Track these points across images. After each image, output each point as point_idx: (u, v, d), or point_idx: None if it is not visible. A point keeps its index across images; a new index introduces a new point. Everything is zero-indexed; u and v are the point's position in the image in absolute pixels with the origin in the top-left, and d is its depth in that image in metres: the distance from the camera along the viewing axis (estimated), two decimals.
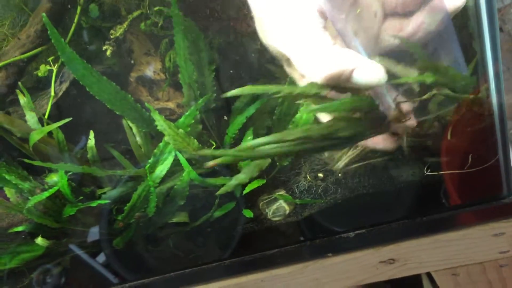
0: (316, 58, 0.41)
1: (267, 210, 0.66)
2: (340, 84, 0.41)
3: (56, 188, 0.54)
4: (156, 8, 0.58)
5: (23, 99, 0.57)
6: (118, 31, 0.57)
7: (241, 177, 0.60)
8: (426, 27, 0.45)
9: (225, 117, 0.63)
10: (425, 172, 0.64)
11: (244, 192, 0.62)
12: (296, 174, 0.65)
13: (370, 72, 0.41)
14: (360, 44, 0.42)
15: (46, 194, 0.54)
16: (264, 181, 0.63)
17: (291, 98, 0.60)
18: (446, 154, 0.65)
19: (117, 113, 0.56)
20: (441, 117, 0.55)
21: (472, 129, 0.62)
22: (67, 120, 0.55)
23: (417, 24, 0.45)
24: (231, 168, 0.65)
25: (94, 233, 0.67)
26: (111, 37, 0.57)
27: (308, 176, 0.66)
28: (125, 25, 0.57)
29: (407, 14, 0.47)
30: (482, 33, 0.49)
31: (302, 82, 0.49)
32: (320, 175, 0.66)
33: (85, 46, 0.60)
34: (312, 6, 0.42)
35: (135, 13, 0.59)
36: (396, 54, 0.47)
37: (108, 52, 0.58)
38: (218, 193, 0.62)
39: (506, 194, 0.66)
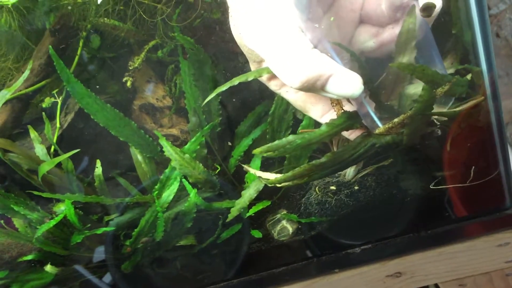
0: (293, 62, 0.38)
1: (272, 232, 0.67)
2: (313, 91, 0.40)
3: (60, 217, 0.55)
4: (173, 34, 0.58)
5: (33, 133, 0.58)
6: (136, 62, 0.58)
7: (241, 201, 0.60)
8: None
9: (229, 143, 0.64)
10: (430, 186, 0.64)
11: (247, 214, 0.62)
12: (301, 194, 0.65)
13: (346, 82, 0.38)
14: (336, 52, 0.40)
15: (53, 222, 0.55)
16: (269, 203, 0.63)
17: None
18: (447, 167, 0.65)
19: (121, 139, 0.56)
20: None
21: (472, 142, 0.62)
22: (75, 151, 0.56)
23: (394, 34, 0.44)
24: (237, 190, 0.66)
25: (102, 258, 0.67)
26: (130, 68, 0.58)
27: (316, 191, 0.66)
28: (142, 55, 0.58)
29: (382, 25, 0.45)
30: (477, 47, 0.49)
31: (270, 84, 0.47)
32: (319, 191, 0.66)
33: (88, 76, 0.61)
34: (291, 7, 0.39)
35: (152, 43, 0.60)
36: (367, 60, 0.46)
37: (128, 83, 0.58)
38: (227, 220, 0.62)
39: (509, 205, 0.66)
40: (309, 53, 0.38)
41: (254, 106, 0.63)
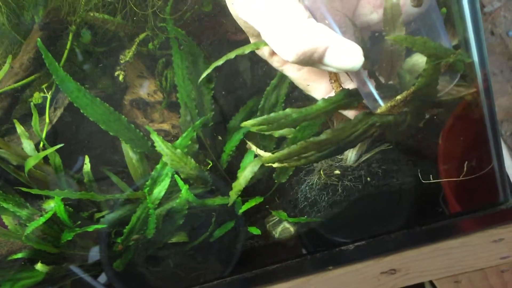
0: (287, 33, 0.36)
1: (273, 232, 0.66)
2: (312, 64, 0.37)
3: (49, 214, 0.54)
4: (163, 24, 0.57)
5: (20, 128, 0.57)
6: (127, 55, 0.57)
7: (237, 184, 0.59)
8: (408, 9, 0.41)
9: (220, 137, 0.63)
10: (421, 179, 0.64)
11: (240, 211, 0.61)
12: (293, 191, 0.65)
13: (345, 53, 0.36)
14: (335, 21, 0.38)
15: (42, 220, 0.54)
16: (261, 199, 0.62)
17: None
18: (440, 161, 0.65)
19: (111, 133, 0.56)
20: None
21: (465, 136, 0.62)
22: (59, 146, 0.55)
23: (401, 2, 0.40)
24: (229, 186, 0.65)
25: (93, 256, 0.66)
26: (121, 62, 0.58)
27: (304, 189, 0.65)
28: (133, 48, 0.57)
29: None
30: (469, 45, 0.49)
31: (272, 60, 0.45)
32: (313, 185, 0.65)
33: (79, 71, 0.60)
34: None
35: (142, 36, 0.59)
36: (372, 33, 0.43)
37: (120, 77, 0.58)
38: (229, 205, 0.60)
39: (503, 200, 0.66)
40: (304, 23, 0.36)
41: (246, 100, 0.63)
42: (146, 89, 0.62)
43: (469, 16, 0.47)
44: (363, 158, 0.61)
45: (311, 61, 0.37)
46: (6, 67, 0.53)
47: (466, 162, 0.61)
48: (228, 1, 0.40)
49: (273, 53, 0.44)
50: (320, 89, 0.45)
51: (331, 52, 0.36)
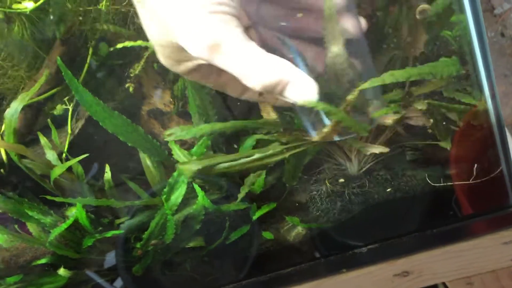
0: (255, 65, 0.38)
1: (288, 237, 0.67)
2: (270, 93, 0.39)
3: (71, 220, 0.56)
4: None
5: (43, 139, 0.60)
6: (136, 69, 0.59)
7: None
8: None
9: (235, 146, 0.65)
10: (429, 182, 0.65)
11: (254, 217, 0.63)
12: (305, 197, 0.66)
13: (304, 88, 0.38)
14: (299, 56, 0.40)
15: (64, 226, 0.56)
16: (274, 205, 0.64)
17: None
18: (451, 165, 0.66)
19: (130, 144, 0.58)
20: None
21: (474, 140, 0.63)
22: (84, 156, 0.57)
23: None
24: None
25: (113, 261, 0.68)
26: (131, 75, 0.60)
27: (321, 192, 0.66)
28: (142, 62, 0.59)
29: None
30: (474, 52, 0.50)
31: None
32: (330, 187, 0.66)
33: (97, 83, 0.63)
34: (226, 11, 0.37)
35: (151, 49, 0.61)
36: None
37: (130, 89, 0.60)
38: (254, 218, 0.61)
39: None
40: (267, 59, 0.38)
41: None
42: (162, 100, 0.64)
43: (473, 23, 0.47)
44: (367, 166, 0.63)
45: (272, 92, 0.39)
46: (42, 79, 0.55)
47: (476, 166, 0.62)
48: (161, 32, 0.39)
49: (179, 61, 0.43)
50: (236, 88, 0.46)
51: (292, 87, 0.39)
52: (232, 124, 0.51)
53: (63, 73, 0.52)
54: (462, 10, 0.46)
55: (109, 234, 0.62)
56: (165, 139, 0.55)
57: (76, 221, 0.60)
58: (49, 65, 0.58)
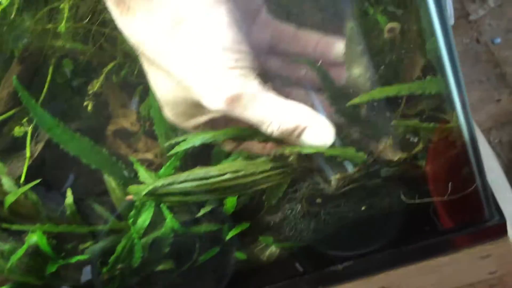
0: (271, 114, 0.39)
1: (261, 257, 0.66)
2: (286, 138, 0.41)
3: (25, 247, 0.54)
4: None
5: None
6: (95, 86, 0.57)
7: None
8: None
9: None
10: (404, 199, 0.64)
11: (227, 237, 0.61)
12: (280, 216, 0.64)
13: (322, 133, 0.40)
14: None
15: (20, 253, 0.54)
16: (247, 225, 0.62)
17: None
18: (426, 182, 0.65)
19: (93, 167, 0.55)
20: None
21: (448, 156, 0.62)
22: (36, 181, 0.55)
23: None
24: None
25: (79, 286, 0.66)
26: (89, 92, 0.57)
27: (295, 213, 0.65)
28: (101, 78, 0.57)
29: None
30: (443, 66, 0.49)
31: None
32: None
33: (60, 103, 0.60)
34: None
35: (110, 66, 0.59)
36: None
37: (89, 107, 0.57)
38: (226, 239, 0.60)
39: (489, 217, 0.66)
40: (285, 104, 0.40)
41: None
42: (128, 119, 0.62)
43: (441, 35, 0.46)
44: (345, 185, 0.61)
45: (289, 137, 0.41)
46: None
47: (451, 182, 0.61)
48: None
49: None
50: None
51: (310, 131, 0.40)
52: (225, 132, 0.47)
53: (19, 94, 0.49)
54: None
55: (74, 259, 0.59)
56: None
57: (37, 247, 0.58)
58: (6, 86, 0.56)
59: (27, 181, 0.60)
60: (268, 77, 0.42)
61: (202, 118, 0.43)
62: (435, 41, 0.43)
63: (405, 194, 0.64)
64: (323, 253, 0.69)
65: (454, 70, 0.47)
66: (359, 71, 0.42)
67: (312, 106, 0.42)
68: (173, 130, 0.58)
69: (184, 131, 0.60)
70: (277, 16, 0.45)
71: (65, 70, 0.58)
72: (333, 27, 0.44)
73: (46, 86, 0.55)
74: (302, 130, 0.40)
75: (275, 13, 0.45)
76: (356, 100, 0.43)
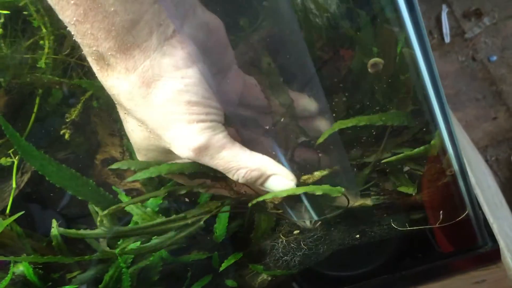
0: (235, 164, 0.43)
1: (253, 284, 0.65)
2: (251, 184, 0.45)
3: (9, 278, 0.53)
4: None
5: None
6: (72, 114, 0.56)
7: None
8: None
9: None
10: (394, 226, 0.63)
11: (221, 268, 0.60)
12: (268, 245, 0.63)
13: (284, 181, 0.44)
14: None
15: (4, 283, 0.53)
16: (240, 255, 0.61)
17: None
18: (417, 210, 0.64)
19: (80, 198, 0.55)
20: None
21: (438, 184, 0.61)
22: (19, 214, 0.54)
23: None
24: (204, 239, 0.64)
25: None
26: (67, 120, 0.57)
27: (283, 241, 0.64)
28: (79, 106, 0.57)
29: None
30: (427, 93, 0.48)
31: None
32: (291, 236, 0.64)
33: (46, 132, 0.59)
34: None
35: (88, 94, 0.59)
36: None
37: (66, 136, 0.57)
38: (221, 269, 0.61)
39: (482, 244, 0.65)
40: (250, 155, 0.44)
41: None
42: (117, 148, 0.61)
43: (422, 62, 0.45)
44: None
45: (254, 183, 0.45)
46: None
47: (442, 210, 0.60)
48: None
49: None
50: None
51: (273, 180, 0.45)
52: (191, 165, 0.48)
53: (3, 127, 0.48)
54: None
55: None
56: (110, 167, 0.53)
57: (23, 277, 0.56)
58: None
59: (16, 207, 0.59)
60: (238, 127, 0.46)
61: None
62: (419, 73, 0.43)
63: (396, 221, 0.64)
64: (319, 274, 0.69)
65: (439, 99, 0.46)
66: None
67: (276, 155, 0.46)
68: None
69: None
70: (246, 70, 0.48)
71: (53, 99, 0.58)
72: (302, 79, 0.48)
73: (33, 116, 0.55)
74: (266, 179, 0.44)
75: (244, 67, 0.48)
76: (321, 140, 0.47)
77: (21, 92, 0.55)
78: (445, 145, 0.49)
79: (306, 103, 0.49)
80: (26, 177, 0.57)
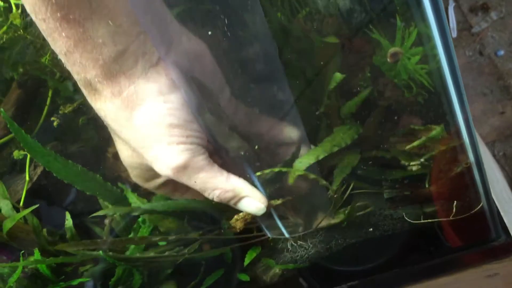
0: (212, 185, 0.46)
1: (264, 277, 0.65)
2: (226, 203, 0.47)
3: (20, 269, 0.52)
4: None
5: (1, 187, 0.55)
6: (66, 108, 0.56)
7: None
8: None
9: None
10: (407, 219, 0.62)
11: (245, 263, 0.61)
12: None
13: (256, 203, 0.47)
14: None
15: (16, 276, 0.52)
16: (259, 249, 0.61)
17: None
18: (430, 202, 0.62)
19: (88, 193, 0.54)
20: None
21: (452, 175, 0.60)
22: (35, 206, 0.53)
23: None
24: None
25: None
26: (60, 112, 0.56)
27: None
28: (75, 104, 0.56)
29: None
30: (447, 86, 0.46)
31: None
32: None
33: (60, 126, 0.59)
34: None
35: None
36: None
37: (55, 124, 0.56)
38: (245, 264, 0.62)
39: (495, 237, 0.63)
40: (224, 178, 0.46)
41: None
42: None
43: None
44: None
45: (228, 203, 0.48)
46: None
47: (455, 202, 0.59)
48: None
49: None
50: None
51: (246, 201, 0.48)
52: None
53: (8, 125, 0.47)
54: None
55: (75, 282, 0.57)
56: None
57: (36, 270, 0.56)
58: (5, 109, 0.54)
59: (27, 201, 0.59)
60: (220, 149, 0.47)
61: (159, 180, 0.50)
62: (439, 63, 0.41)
63: (408, 215, 0.62)
64: (329, 269, 0.68)
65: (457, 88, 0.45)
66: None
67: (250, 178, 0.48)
68: None
69: None
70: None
71: (65, 92, 0.57)
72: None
73: (45, 109, 0.54)
74: (239, 200, 0.47)
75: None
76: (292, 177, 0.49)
77: (33, 85, 0.54)
78: (461, 135, 0.48)
79: (287, 131, 0.51)
80: (39, 170, 0.56)
